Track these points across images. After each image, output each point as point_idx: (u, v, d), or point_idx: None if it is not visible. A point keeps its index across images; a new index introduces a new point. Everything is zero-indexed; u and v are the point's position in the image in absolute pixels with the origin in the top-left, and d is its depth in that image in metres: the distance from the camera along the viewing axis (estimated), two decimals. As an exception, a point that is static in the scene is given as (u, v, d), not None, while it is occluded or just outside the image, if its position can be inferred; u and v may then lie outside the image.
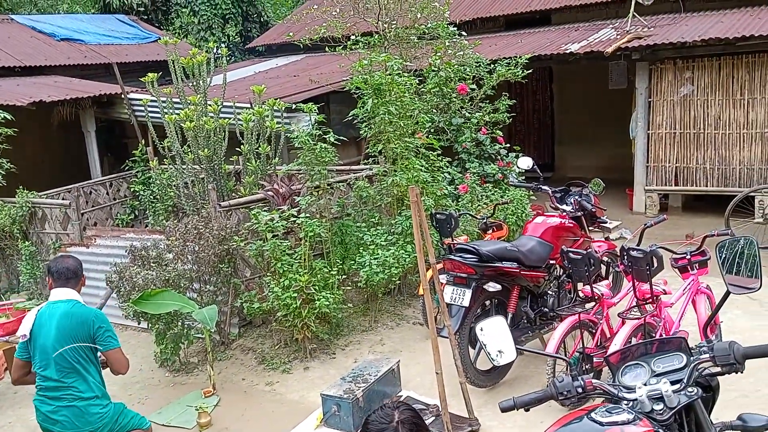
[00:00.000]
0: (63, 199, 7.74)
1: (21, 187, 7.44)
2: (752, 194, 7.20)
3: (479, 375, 4.25)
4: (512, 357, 2.33)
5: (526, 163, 5.52)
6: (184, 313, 4.74)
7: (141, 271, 4.81)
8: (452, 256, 4.30)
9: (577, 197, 5.07)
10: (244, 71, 12.47)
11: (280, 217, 5.14)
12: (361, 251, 5.49)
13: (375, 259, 5.30)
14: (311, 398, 4.54)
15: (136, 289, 4.68)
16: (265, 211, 5.13)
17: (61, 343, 3.37)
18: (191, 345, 5.21)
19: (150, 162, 7.59)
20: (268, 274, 5.10)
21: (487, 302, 4.47)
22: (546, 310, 4.61)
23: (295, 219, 5.14)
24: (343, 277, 5.35)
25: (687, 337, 2.42)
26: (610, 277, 5.10)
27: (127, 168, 9.33)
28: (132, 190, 8.98)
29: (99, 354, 3.58)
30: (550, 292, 4.68)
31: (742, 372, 2.02)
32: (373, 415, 1.93)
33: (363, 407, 4.07)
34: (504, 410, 2.10)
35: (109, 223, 8.60)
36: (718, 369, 2.07)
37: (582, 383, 2.10)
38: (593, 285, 4.03)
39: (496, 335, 2.28)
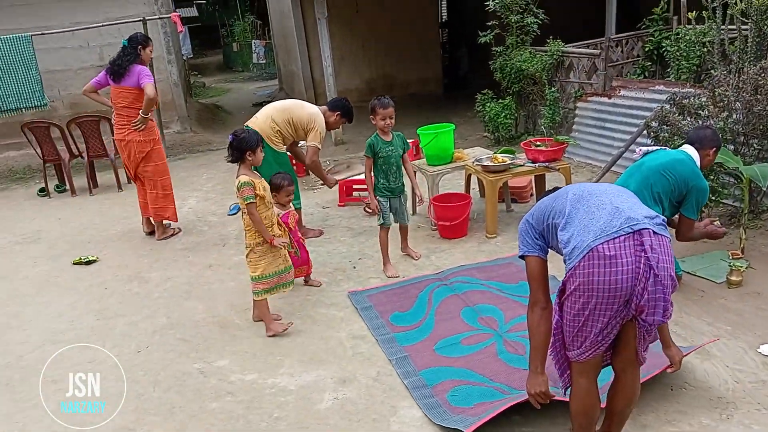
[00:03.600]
0: (583, 52, 8.05)
1: (551, 37, 8.00)
2: None
3: None
4: None
5: None
6: (726, 168, 4.47)
7: (686, 118, 4.68)
8: None
9: None
10: None
11: None
12: None
13: None
14: None
15: (679, 135, 4.60)
16: None
17: (654, 171, 3.81)
18: (718, 206, 4.96)
19: (687, 15, 7.10)
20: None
21: None
22: None
23: None
24: None
25: None
26: None
27: (643, 27, 9.05)
28: (645, 50, 8.73)
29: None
30: None
31: None
32: None
33: None
34: None
35: (619, 82, 8.63)
36: None
37: None
38: None
39: None
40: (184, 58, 17.59)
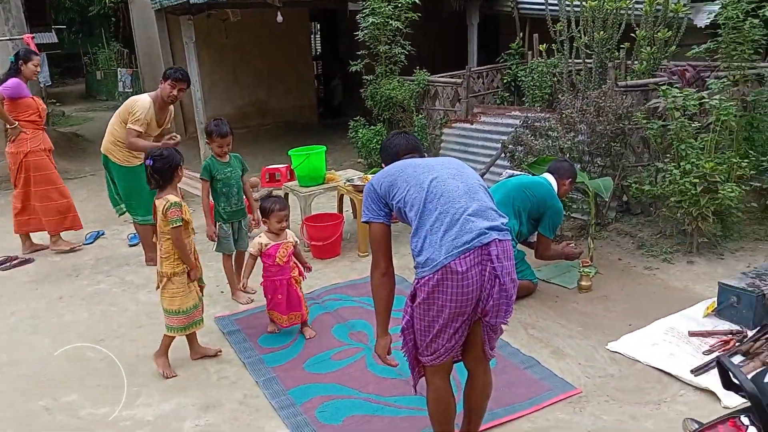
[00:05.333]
0: (448, 82, 8.43)
1: (418, 67, 8.32)
2: None
3: None
4: None
5: None
6: (575, 184, 4.81)
7: (537, 139, 5.01)
8: None
9: None
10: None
11: (686, 97, 4.75)
12: (775, 149, 4.82)
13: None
14: (697, 290, 4.30)
15: (532, 154, 4.91)
16: (676, 87, 4.80)
17: (516, 188, 4.21)
18: (568, 219, 5.33)
19: (539, 49, 7.68)
20: (667, 157, 4.83)
21: None
22: None
23: (705, 101, 4.70)
24: (752, 173, 4.78)
25: None
26: None
27: (501, 61, 9.68)
28: (504, 81, 9.33)
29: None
30: None
31: None
32: None
33: (767, 305, 3.68)
34: None
35: (482, 111, 9.12)
36: None
37: None
38: None
39: None
40: (42, 85, 16.41)
